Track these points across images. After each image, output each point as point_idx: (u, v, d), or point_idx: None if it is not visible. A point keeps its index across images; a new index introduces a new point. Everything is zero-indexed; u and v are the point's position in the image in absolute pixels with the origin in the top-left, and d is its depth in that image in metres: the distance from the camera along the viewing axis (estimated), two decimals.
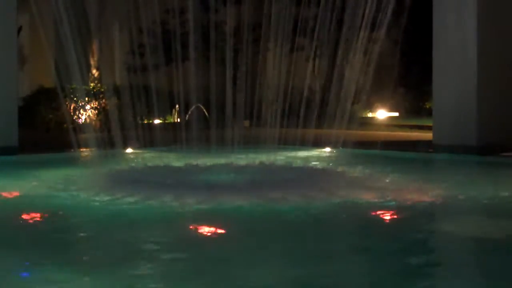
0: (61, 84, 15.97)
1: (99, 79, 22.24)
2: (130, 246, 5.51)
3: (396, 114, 26.92)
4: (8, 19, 12.60)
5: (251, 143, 12.18)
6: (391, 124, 22.78)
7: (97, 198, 7.57)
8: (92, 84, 20.52)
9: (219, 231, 6.21)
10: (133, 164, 10.69)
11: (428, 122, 15.83)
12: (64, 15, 10.61)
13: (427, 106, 25.08)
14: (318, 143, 12.91)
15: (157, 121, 18.98)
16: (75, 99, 18.59)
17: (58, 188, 8.34)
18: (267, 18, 12.39)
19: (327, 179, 8.84)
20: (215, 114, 12.56)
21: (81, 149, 12.32)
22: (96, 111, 19.24)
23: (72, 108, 18.97)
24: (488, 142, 12.17)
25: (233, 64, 12.81)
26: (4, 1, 12.50)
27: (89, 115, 19.26)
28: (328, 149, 12.95)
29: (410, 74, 25.82)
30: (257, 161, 10.07)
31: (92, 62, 23.22)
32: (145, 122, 18.25)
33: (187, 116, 16.39)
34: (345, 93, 11.62)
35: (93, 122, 18.74)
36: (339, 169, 10.31)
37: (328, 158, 12.14)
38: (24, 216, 6.84)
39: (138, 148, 12.72)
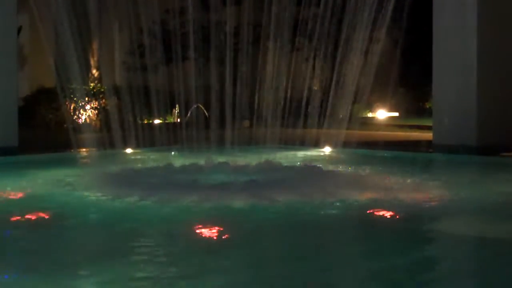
0: (61, 84, 15.96)
1: (99, 79, 22.24)
2: (130, 246, 5.51)
3: (396, 114, 26.92)
4: (8, 19, 12.60)
5: (251, 143, 12.18)
6: (391, 124, 22.78)
7: (97, 198, 7.57)
8: (92, 84, 20.52)
9: (218, 230, 6.21)
10: (132, 164, 10.69)
11: (428, 122, 15.83)
12: (64, 15, 10.61)
13: (427, 106, 25.09)
14: (318, 143, 12.91)
15: (157, 121, 18.98)
16: (75, 99, 18.59)
17: (58, 188, 8.35)
18: (267, 18, 12.39)
19: (327, 179, 8.84)
20: (215, 114, 12.55)
21: (81, 149, 12.32)
22: (96, 111, 19.24)
23: (72, 108, 18.98)
24: (488, 142, 12.17)
25: (233, 64, 12.80)
26: (4, 1, 12.50)
27: (89, 115, 19.26)
28: (328, 149, 12.95)
29: (410, 74, 25.82)
30: (257, 161, 10.07)
31: (92, 62, 23.21)
32: (145, 122, 18.25)
33: (187, 116, 16.38)
34: (345, 93, 11.62)
35: (93, 122, 18.75)
36: (339, 169, 10.32)
37: (328, 158, 12.14)
38: (24, 216, 6.84)
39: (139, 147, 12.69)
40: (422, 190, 8.23)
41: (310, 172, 9.36)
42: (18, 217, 6.78)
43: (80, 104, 18.89)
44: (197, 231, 6.12)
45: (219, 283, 4.49)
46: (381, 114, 26.27)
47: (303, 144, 12.55)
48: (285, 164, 10.08)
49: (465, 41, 12.42)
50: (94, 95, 19.12)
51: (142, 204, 7.20)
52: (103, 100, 19.06)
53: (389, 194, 7.78)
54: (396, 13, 11.52)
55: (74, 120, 18.52)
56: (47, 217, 6.92)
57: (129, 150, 12.70)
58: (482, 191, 8.38)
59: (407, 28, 13.56)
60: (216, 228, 6.20)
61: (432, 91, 13.61)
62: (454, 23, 12.62)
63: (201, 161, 9.70)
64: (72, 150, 11.80)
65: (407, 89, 26.98)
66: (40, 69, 22.64)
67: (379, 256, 5.19)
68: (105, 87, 19.27)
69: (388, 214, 7.01)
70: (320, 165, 10.51)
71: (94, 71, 23.32)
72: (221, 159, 9.80)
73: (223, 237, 6.00)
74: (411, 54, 23.02)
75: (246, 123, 16.31)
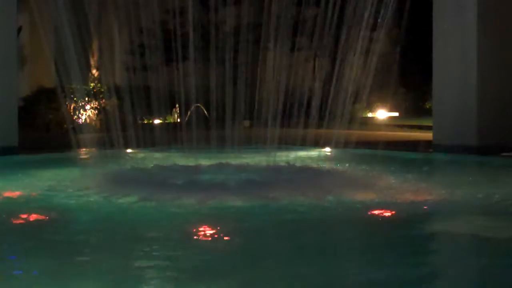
0: (61, 84, 15.97)
1: (99, 79, 22.25)
2: (130, 246, 5.51)
3: (396, 114, 26.95)
4: (8, 19, 12.60)
5: (251, 143, 12.17)
6: (391, 124, 22.80)
7: (97, 198, 7.57)
8: (92, 84, 20.54)
9: (218, 230, 6.21)
10: (132, 164, 10.68)
11: (428, 122, 15.84)
12: (64, 15, 10.60)
13: (427, 106, 25.11)
14: (318, 143, 12.91)
15: (157, 121, 18.99)
16: (75, 99, 18.60)
17: (58, 188, 8.34)
18: (267, 18, 12.39)
19: (327, 179, 8.84)
20: (215, 114, 12.55)
21: (81, 149, 12.32)
22: (96, 111, 19.26)
23: (72, 108, 18.99)
24: (488, 142, 12.17)
25: (233, 64, 12.80)
26: (4, 1, 12.50)
27: (89, 115, 19.28)
28: (328, 149, 12.95)
29: (410, 74, 25.85)
30: (257, 161, 10.08)
31: (92, 62, 23.23)
32: (145, 122, 18.26)
33: (187, 116, 16.39)
34: (345, 93, 11.61)
35: (93, 122, 18.76)
36: (339, 169, 10.32)
37: (328, 158, 12.14)
38: (24, 216, 6.84)
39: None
40: (422, 190, 8.22)
41: (310, 172, 9.37)
42: (18, 217, 6.78)
43: (80, 104, 18.91)
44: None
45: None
46: (381, 114, 26.29)
47: (303, 144, 12.55)
48: (285, 164, 10.08)
49: (465, 41, 12.42)
50: (94, 95, 19.14)
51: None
52: (103, 100, 19.08)
53: (389, 194, 7.78)
54: (396, 13, 11.53)
55: (74, 120, 18.54)
56: (46, 217, 6.92)
57: (129, 150, 12.69)
58: (482, 191, 8.37)
59: (407, 28, 13.57)
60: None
61: (432, 91, 13.61)
62: (454, 23, 12.62)
63: (201, 162, 9.69)
64: (72, 150, 11.80)
65: (407, 89, 27.02)
66: (40, 69, 22.67)
67: (379, 256, 5.19)
68: (105, 87, 19.28)
69: (388, 214, 7.01)
70: (320, 165, 10.52)
71: (94, 71, 23.34)
72: (221, 159, 9.80)
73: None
74: (411, 54, 23.06)
75: (246, 123, 16.32)
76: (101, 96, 19.27)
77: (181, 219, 6.65)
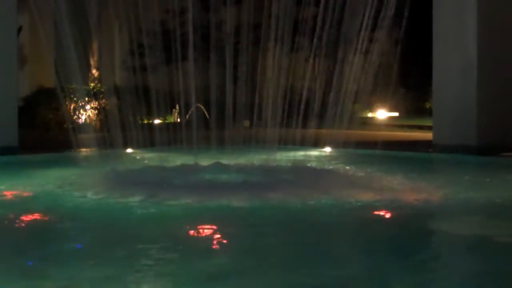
0: (61, 84, 15.97)
1: (99, 79, 22.25)
2: (131, 245, 5.51)
3: (396, 114, 26.96)
4: (8, 19, 12.60)
5: (251, 143, 12.17)
6: (391, 124, 22.80)
7: (97, 198, 7.57)
8: (92, 84, 20.54)
9: (218, 230, 6.21)
10: (132, 164, 10.68)
11: (428, 122, 15.84)
12: (64, 15, 10.60)
13: (427, 106, 25.12)
14: (318, 143, 12.91)
15: (157, 121, 18.98)
16: (75, 99, 18.60)
17: (58, 188, 8.35)
18: (267, 18, 12.38)
19: (327, 179, 8.84)
20: (215, 114, 12.54)
21: (81, 149, 12.32)
22: (96, 111, 19.26)
23: (72, 108, 18.99)
24: (488, 142, 12.17)
25: (233, 64, 12.79)
26: (4, 1, 12.50)
27: (89, 115, 19.28)
28: (328, 149, 12.95)
29: (410, 75, 25.86)
30: (257, 162, 10.07)
31: (92, 62, 23.23)
32: (145, 122, 18.25)
33: (187, 116, 16.39)
34: (345, 93, 11.61)
35: (93, 122, 18.76)
36: (338, 169, 10.32)
37: (327, 158, 12.14)
38: (24, 216, 6.84)
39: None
40: (422, 190, 8.23)
41: (311, 172, 9.36)
42: (18, 217, 6.78)
43: (80, 104, 18.91)
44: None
45: None
46: (381, 114, 26.30)
47: (303, 144, 12.55)
48: (285, 164, 10.09)
49: (465, 41, 12.42)
50: (94, 95, 19.14)
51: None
52: (103, 100, 19.08)
53: (389, 194, 7.78)
54: (397, 13, 11.51)
55: (74, 120, 18.54)
56: (46, 217, 6.92)
57: (129, 150, 12.69)
58: (481, 191, 8.38)
59: (407, 28, 13.55)
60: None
61: (432, 91, 13.61)
62: (454, 23, 12.62)
63: (200, 162, 9.69)
64: (72, 150, 11.80)
65: (407, 89, 27.04)
66: (40, 69, 22.67)
67: (380, 256, 5.20)
68: (105, 87, 19.28)
69: (388, 214, 7.02)
70: (320, 165, 10.52)
71: (94, 71, 23.34)
72: (220, 159, 9.80)
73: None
74: (411, 54, 23.05)
75: (246, 123, 16.31)
76: (101, 96, 19.27)
77: (181, 220, 6.66)
